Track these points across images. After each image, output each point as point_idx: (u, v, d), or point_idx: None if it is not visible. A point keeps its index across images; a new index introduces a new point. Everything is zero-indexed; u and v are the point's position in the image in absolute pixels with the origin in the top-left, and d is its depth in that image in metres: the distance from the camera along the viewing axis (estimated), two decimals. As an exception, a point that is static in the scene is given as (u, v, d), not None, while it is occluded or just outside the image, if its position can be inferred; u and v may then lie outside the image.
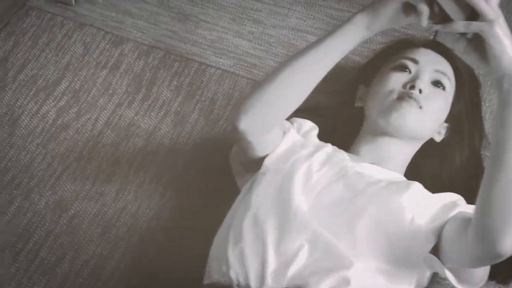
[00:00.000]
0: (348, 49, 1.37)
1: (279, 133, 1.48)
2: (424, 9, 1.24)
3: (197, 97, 1.84)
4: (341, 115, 1.68)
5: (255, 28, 1.94)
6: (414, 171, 1.55)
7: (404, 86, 1.50)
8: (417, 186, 1.42)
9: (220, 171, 1.66)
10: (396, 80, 1.51)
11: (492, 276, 1.40)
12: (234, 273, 1.34)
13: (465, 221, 1.27)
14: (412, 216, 1.35)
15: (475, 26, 1.18)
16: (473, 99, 1.63)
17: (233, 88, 1.85)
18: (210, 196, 1.68)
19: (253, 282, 1.32)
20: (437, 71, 1.53)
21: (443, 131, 1.58)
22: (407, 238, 1.33)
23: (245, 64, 1.89)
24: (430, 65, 1.53)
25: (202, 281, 1.43)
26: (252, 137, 1.42)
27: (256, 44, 1.92)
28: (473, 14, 1.19)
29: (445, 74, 1.53)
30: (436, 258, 1.31)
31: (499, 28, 1.17)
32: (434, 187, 1.45)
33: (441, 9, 1.22)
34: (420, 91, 1.48)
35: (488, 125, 1.66)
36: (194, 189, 1.71)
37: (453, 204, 1.38)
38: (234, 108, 1.78)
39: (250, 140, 1.42)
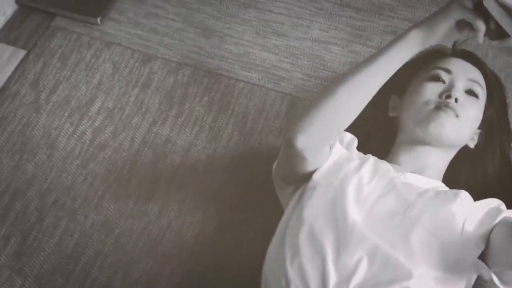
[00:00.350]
0: (400, 65, 1.40)
1: (327, 147, 1.49)
2: (481, 26, 1.28)
3: (230, 111, 1.85)
4: (375, 125, 1.69)
5: (279, 41, 1.97)
6: (449, 177, 1.58)
7: (440, 96, 1.53)
8: (464, 195, 1.45)
9: (259, 184, 1.68)
10: (431, 91, 1.54)
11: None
12: (295, 288, 1.35)
13: (514, 226, 1.31)
14: (463, 223, 1.38)
15: None
16: (501, 104, 1.67)
17: (263, 101, 1.87)
18: (253, 209, 1.70)
19: (315, 296, 1.33)
20: (470, 79, 1.56)
21: (476, 138, 1.61)
22: (459, 246, 1.36)
23: (273, 77, 1.91)
24: (463, 74, 1.56)
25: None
26: (308, 154, 1.42)
27: (281, 57, 1.94)
28: None
29: (477, 83, 1.57)
30: (484, 264, 1.35)
31: None
32: (468, 192, 1.48)
33: (497, 25, 1.26)
34: (456, 100, 1.51)
35: (514, 128, 1.71)
36: (235, 203, 1.73)
37: (497, 210, 1.42)
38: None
39: (306, 157, 1.42)
